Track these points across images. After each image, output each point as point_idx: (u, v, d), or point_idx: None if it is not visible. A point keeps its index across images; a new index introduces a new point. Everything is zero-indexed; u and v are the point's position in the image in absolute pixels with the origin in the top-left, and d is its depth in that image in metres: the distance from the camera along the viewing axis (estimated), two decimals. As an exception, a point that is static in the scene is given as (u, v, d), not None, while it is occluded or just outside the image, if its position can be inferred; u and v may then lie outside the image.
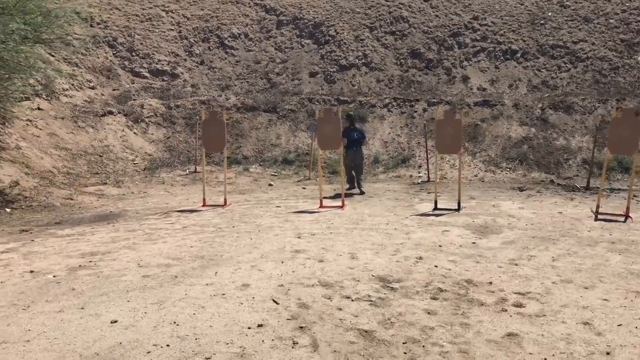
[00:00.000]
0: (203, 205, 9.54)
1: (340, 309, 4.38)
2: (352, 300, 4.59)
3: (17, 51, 9.19)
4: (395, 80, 17.09)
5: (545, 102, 14.97)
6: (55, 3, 16.91)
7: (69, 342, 3.79)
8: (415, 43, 18.04)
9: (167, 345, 3.71)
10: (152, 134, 14.77)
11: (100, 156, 12.90)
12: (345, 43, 18.27)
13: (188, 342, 3.77)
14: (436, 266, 5.56)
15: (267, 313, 4.31)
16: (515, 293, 4.69)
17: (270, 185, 12.27)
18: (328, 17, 19.28)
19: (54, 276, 5.45)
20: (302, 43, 18.78)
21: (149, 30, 18.56)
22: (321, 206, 9.26)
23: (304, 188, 11.75)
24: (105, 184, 11.51)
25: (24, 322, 4.17)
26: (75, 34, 16.52)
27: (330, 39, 18.54)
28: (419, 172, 13.30)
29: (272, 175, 13.49)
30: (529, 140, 13.84)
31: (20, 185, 9.88)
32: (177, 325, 4.08)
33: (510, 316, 4.18)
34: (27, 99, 12.68)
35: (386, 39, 18.37)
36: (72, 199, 10.01)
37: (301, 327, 4.02)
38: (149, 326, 4.06)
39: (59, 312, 4.38)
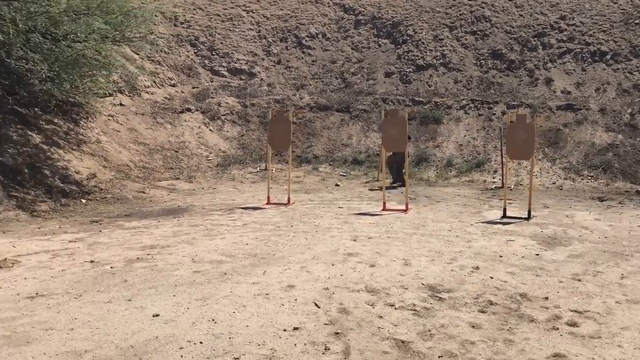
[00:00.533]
0: (267, 203, 9.63)
1: (381, 317, 4.25)
2: (395, 309, 4.44)
3: (98, 50, 9.64)
4: (474, 81, 16.57)
5: (635, 107, 14.01)
6: (142, 3, 17.69)
7: (109, 332, 3.90)
8: (496, 43, 17.41)
9: (200, 343, 3.73)
10: (227, 131, 15.11)
11: (176, 152, 13.34)
12: (423, 43, 17.92)
13: (221, 340, 3.78)
14: (492, 277, 5.30)
15: (305, 316, 4.25)
16: (572, 311, 4.38)
17: (337, 185, 12.23)
18: (407, 17, 18.99)
19: (111, 267, 5.65)
20: (379, 43, 18.60)
21: (229, 30, 19.01)
22: (384, 209, 9.11)
23: (370, 190, 11.61)
24: (177, 179, 11.89)
25: (73, 311, 4.34)
26: (160, 32, 17.22)
27: (408, 38, 18.25)
28: (494, 178, 12.82)
29: (340, 175, 13.44)
30: (614, 148, 13.00)
31: (97, 177, 10.37)
32: (215, 322, 4.10)
33: (561, 335, 3.90)
34: (110, 95, 13.31)
35: (466, 39, 17.85)
36: (144, 193, 10.41)
37: (337, 333, 3.93)
38: (188, 322, 4.11)
39: (106, 303, 4.52)
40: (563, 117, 14.34)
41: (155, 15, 17.64)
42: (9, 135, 10.05)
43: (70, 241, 6.89)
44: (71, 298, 4.65)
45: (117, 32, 10.04)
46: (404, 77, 17.17)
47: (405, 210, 9.01)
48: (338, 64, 18.25)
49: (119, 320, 4.15)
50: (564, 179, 12.31)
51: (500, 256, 6.14)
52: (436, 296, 4.75)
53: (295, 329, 4.01)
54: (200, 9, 19.70)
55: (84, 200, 9.53)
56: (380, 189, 11.29)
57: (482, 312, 4.38)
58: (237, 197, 10.48)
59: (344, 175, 13.42)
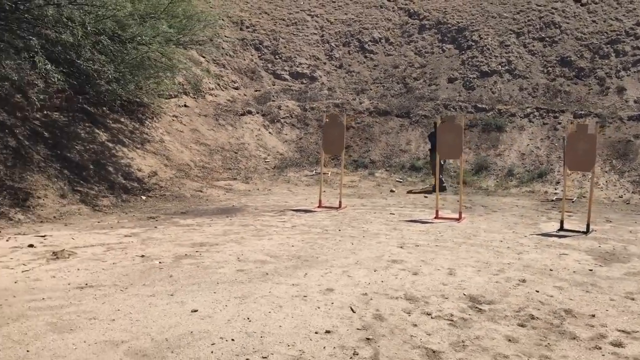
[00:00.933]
0: (318, 207, 9.69)
1: (415, 325, 4.20)
2: (432, 318, 4.37)
3: (162, 52, 9.99)
4: (540, 89, 16.06)
5: None
6: (210, 7, 18.18)
7: (147, 325, 4.03)
8: (566, 50, 16.82)
9: (232, 340, 3.81)
10: (286, 134, 15.29)
11: (235, 153, 13.62)
12: (488, 48, 17.54)
13: (253, 339, 3.84)
14: (537, 291, 5.13)
15: (339, 320, 4.26)
16: (619, 330, 4.17)
17: (392, 191, 12.14)
18: (473, 22, 18.64)
19: (159, 262, 5.85)
20: (443, 48, 18.35)
21: (293, 34, 19.25)
22: (437, 217, 8.97)
23: (425, 197, 11.47)
24: (235, 179, 12.14)
25: (117, 302, 4.52)
26: (226, 36, 17.66)
27: (473, 44, 17.91)
28: (556, 189, 12.38)
29: (396, 181, 13.34)
30: (689, 161, 12.28)
31: (158, 175, 10.74)
32: (250, 321, 4.17)
33: (603, 355, 3.73)
34: (175, 96, 13.75)
35: (533, 45, 17.33)
36: (201, 192, 10.69)
37: (368, 339, 3.91)
38: (224, 319, 4.20)
39: (149, 296, 4.68)
40: (634, 128, 13.68)
41: (222, 20, 18.12)
42: (78, 133, 10.57)
43: (125, 236, 7.17)
44: (117, 290, 4.85)
45: (181, 36, 10.36)
46: (467, 83, 16.85)
47: (458, 219, 8.84)
48: (400, 68, 18.13)
49: (159, 313, 4.29)
50: (632, 192, 11.74)
51: (551, 270, 5.93)
52: (476, 307, 4.65)
53: (327, 332, 4.02)
54: (266, 13, 20.06)
55: (144, 197, 9.89)
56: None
57: (522, 326, 4.24)
58: (290, 200, 10.59)
59: (400, 182, 13.31)
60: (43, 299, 4.54)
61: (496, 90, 16.36)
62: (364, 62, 18.57)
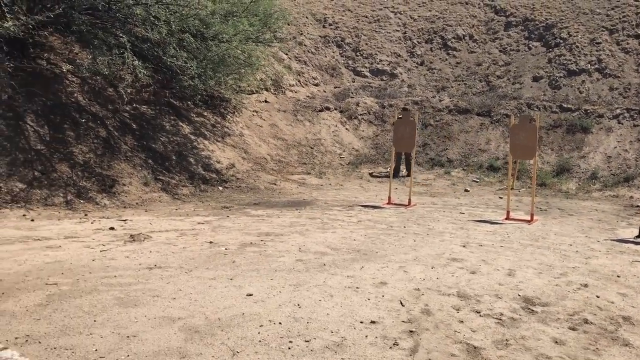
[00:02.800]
0: (387, 204, 9.75)
1: (462, 322, 4.22)
2: (480, 316, 4.38)
3: (242, 49, 10.40)
4: (633, 89, 15.22)
5: None
6: (295, 6, 18.58)
7: (204, 305, 4.31)
8: (664, 47, 15.84)
9: (280, 323, 4.00)
10: (363, 130, 15.41)
11: (311, 148, 13.91)
12: (577, 46, 16.82)
13: (299, 324, 4.02)
14: (598, 296, 4.98)
15: (387, 312, 4.35)
16: (678, 342, 4.01)
17: (466, 191, 11.98)
18: (562, 19, 17.93)
19: (225, 249, 6.16)
20: (530, 45, 17.78)
21: (375, 31, 19.30)
22: (507, 218, 8.81)
23: (500, 197, 11.24)
24: (309, 173, 12.42)
25: (180, 283, 4.85)
26: (309, 33, 18.01)
27: (561, 41, 17.23)
28: (643, 194, 11.75)
29: (473, 181, 13.13)
30: None
31: (235, 167, 11.19)
32: (299, 307, 4.35)
33: (654, 365, 3.61)
34: (256, 92, 14.22)
35: (628, 43, 16.44)
36: (275, 184, 11.04)
37: (411, 331, 3.99)
38: (275, 304, 4.41)
39: (210, 279, 4.98)
40: None
41: (306, 17, 18.52)
42: (163, 125, 11.21)
43: (199, 223, 7.58)
44: (182, 272, 5.19)
45: (261, 34, 10.74)
46: (553, 82, 16.25)
47: (529, 221, 8.63)
48: (483, 66, 17.76)
49: (216, 295, 4.56)
50: None
51: (618, 276, 5.71)
52: (528, 308, 4.59)
53: (372, 322, 4.13)
54: (349, 10, 20.23)
55: (220, 188, 10.35)
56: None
57: (573, 329, 4.17)
58: (360, 195, 10.72)
59: (476, 181, 13.09)
60: (115, 276, 4.95)
61: (584, 90, 15.67)
62: (446, 59, 18.34)
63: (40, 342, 3.48)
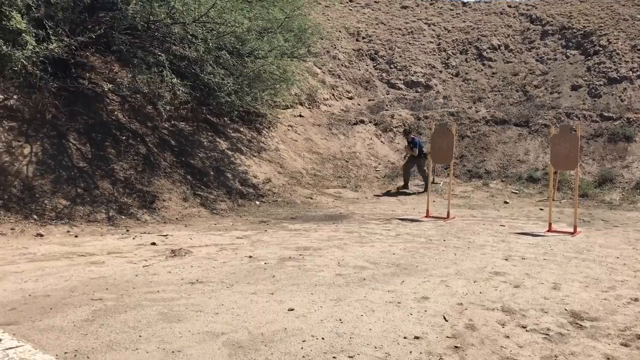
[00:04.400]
0: (426, 216, 9.65)
1: (507, 337, 4.13)
2: (526, 331, 4.27)
3: (277, 65, 10.50)
4: (677, 95, 14.81)
5: None
6: (328, 20, 18.68)
7: (246, 320, 4.32)
8: None
9: (322, 338, 3.98)
10: (398, 143, 15.34)
11: (347, 161, 13.90)
12: (618, 54, 16.47)
13: (342, 339, 3.99)
14: (650, 311, 4.81)
15: (430, 327, 4.29)
16: None
17: (505, 203, 11.78)
18: (601, 26, 17.60)
19: (265, 263, 6.18)
20: (567, 54, 17.49)
21: (409, 43, 19.26)
22: (549, 230, 8.61)
23: (541, 209, 11.01)
24: (344, 187, 12.40)
25: (222, 298, 4.87)
26: (342, 47, 18.08)
27: (601, 49, 16.89)
28: (692, 204, 11.37)
29: (512, 192, 12.90)
30: None
31: (271, 182, 11.26)
32: (341, 322, 4.32)
33: None
34: (291, 107, 14.31)
35: (671, 49, 16.02)
36: (311, 198, 11.06)
37: (456, 347, 3.92)
38: (317, 319, 4.39)
39: (252, 294, 4.99)
40: None
41: (339, 31, 18.60)
42: (201, 141, 11.36)
43: (237, 237, 7.63)
44: (224, 287, 5.22)
45: (295, 49, 10.83)
46: (593, 90, 15.92)
47: (573, 233, 8.43)
48: (520, 76, 17.53)
49: (258, 310, 4.57)
50: None
51: (670, 290, 5.51)
52: (576, 323, 4.47)
53: (416, 338, 4.07)
54: (382, 23, 20.26)
55: (257, 202, 10.41)
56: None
57: (625, 345, 4.03)
58: (397, 208, 10.64)
59: (516, 193, 12.86)
60: (158, 291, 5.00)
61: (625, 98, 15.30)
62: (482, 70, 18.17)
63: (88, 358, 3.53)
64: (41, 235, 7.33)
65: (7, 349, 2.02)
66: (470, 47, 18.86)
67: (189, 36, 9.13)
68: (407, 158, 13.33)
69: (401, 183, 13.21)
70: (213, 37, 9.07)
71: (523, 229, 8.82)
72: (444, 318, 4.52)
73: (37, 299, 4.68)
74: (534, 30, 18.77)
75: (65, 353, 3.56)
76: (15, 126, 8.74)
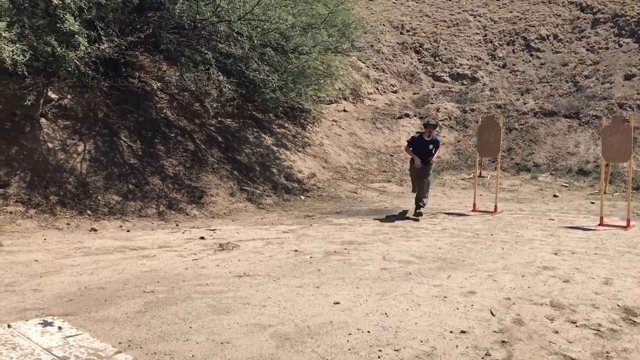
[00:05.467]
0: (472, 211, 9.53)
1: (557, 332, 4.06)
2: (576, 326, 4.20)
3: (321, 60, 10.54)
4: None
5: None
6: (372, 14, 18.62)
7: (293, 312, 4.39)
8: None
9: (368, 332, 4.01)
10: (444, 136, 15.16)
11: (391, 155, 13.84)
12: (674, 40, 15.82)
13: (387, 332, 4.01)
14: None
15: (477, 322, 4.26)
16: None
17: (555, 196, 11.52)
18: (656, 12, 16.93)
19: (310, 257, 6.25)
20: (620, 42, 16.90)
21: (454, 35, 18.99)
22: (601, 224, 8.39)
23: (592, 203, 10.72)
24: (389, 181, 12.37)
25: (269, 291, 4.96)
26: (386, 41, 17.98)
27: (656, 36, 16.26)
28: None
29: (561, 185, 12.60)
30: None
31: (316, 177, 11.33)
32: (387, 316, 4.34)
33: None
34: (335, 101, 14.34)
35: None
36: (356, 193, 11.07)
37: (503, 342, 3.88)
38: (363, 312, 4.42)
39: (298, 287, 5.06)
40: None
41: (383, 25, 18.51)
42: (247, 137, 11.52)
43: (283, 232, 7.73)
44: (270, 280, 5.31)
45: (339, 44, 10.85)
46: (648, 79, 15.35)
47: (626, 227, 8.18)
48: (569, 66, 17.05)
49: (304, 303, 4.63)
50: None
51: None
52: (630, 319, 4.36)
53: (462, 332, 4.05)
54: (427, 15, 20.04)
55: (302, 197, 10.50)
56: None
57: (681, 343, 3.91)
58: (443, 203, 10.55)
59: (566, 186, 12.55)
60: (207, 284, 5.13)
61: (683, 86, 14.70)
62: (530, 61, 17.76)
63: (141, 347, 3.66)
64: (95, 230, 7.60)
65: (67, 337, 2.15)
66: (517, 38, 18.46)
67: (234, 34, 9.27)
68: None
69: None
70: (258, 34, 9.18)
71: (573, 223, 8.61)
72: (491, 312, 4.48)
73: (92, 291, 4.88)
74: (584, 19, 18.21)
75: (120, 343, 3.70)
76: (69, 125, 9.07)
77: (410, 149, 9.17)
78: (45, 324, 2.43)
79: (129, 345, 3.68)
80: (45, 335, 2.22)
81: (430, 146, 9.01)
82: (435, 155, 9.22)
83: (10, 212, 7.48)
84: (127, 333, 3.89)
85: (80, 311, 4.31)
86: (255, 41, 9.17)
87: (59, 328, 2.36)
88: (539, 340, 3.92)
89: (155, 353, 3.59)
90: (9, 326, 2.32)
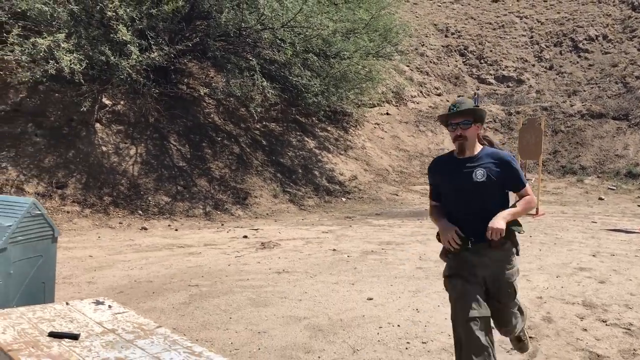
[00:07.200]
0: (513, 212, 9.52)
1: (585, 330, 4.14)
2: (606, 325, 4.26)
3: (362, 65, 10.75)
4: None
5: None
6: (416, 17, 18.69)
7: (327, 306, 4.61)
8: None
9: (398, 326, 4.19)
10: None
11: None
12: None
13: (417, 327, 4.17)
14: None
15: (506, 319, 4.37)
16: None
17: (600, 199, 11.35)
18: None
19: (347, 256, 6.45)
20: (673, 42, 16.45)
21: (500, 38, 18.86)
22: (646, 227, 8.27)
23: (639, 206, 10.53)
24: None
25: (306, 286, 5.19)
26: (430, 44, 18.03)
27: None
28: None
29: (608, 189, 12.39)
30: None
31: (357, 179, 11.52)
32: (418, 311, 4.51)
33: None
34: (378, 105, 14.51)
35: None
36: (397, 195, 11.21)
37: (530, 337, 3.99)
38: (395, 308, 4.59)
39: (333, 284, 5.28)
40: None
41: (427, 28, 18.55)
42: (290, 141, 11.83)
43: (323, 232, 7.96)
44: (308, 276, 5.54)
45: (380, 48, 11.02)
46: (702, 79, 14.90)
47: (672, 230, 8.05)
48: (619, 67, 16.69)
49: (339, 298, 4.84)
50: None
51: None
52: (662, 320, 4.38)
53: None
54: (472, 18, 19.96)
55: (344, 199, 10.72)
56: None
57: None
58: (484, 205, 10.57)
59: (613, 189, 12.34)
60: (248, 279, 5.41)
61: None
62: (577, 62, 17.48)
63: (184, 335, 3.94)
64: (145, 229, 8.02)
65: (116, 313, 2.47)
66: (565, 39, 18.18)
67: (278, 40, 9.58)
68: None
69: None
70: (300, 40, 9.46)
71: (616, 226, 8.52)
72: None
73: (142, 284, 5.22)
74: (636, 18, 17.80)
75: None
76: (122, 129, 9.57)
77: (435, 202, 3.05)
78: (98, 302, 2.77)
79: (173, 333, 3.97)
80: (97, 312, 2.55)
81: (480, 175, 2.75)
82: (523, 202, 3.02)
83: (68, 212, 7.98)
84: (172, 322, 4.19)
85: (130, 302, 4.65)
86: (298, 47, 9.45)
87: (109, 306, 2.69)
88: (566, 337, 4.01)
89: (197, 340, 3.86)
90: (67, 304, 2.67)
